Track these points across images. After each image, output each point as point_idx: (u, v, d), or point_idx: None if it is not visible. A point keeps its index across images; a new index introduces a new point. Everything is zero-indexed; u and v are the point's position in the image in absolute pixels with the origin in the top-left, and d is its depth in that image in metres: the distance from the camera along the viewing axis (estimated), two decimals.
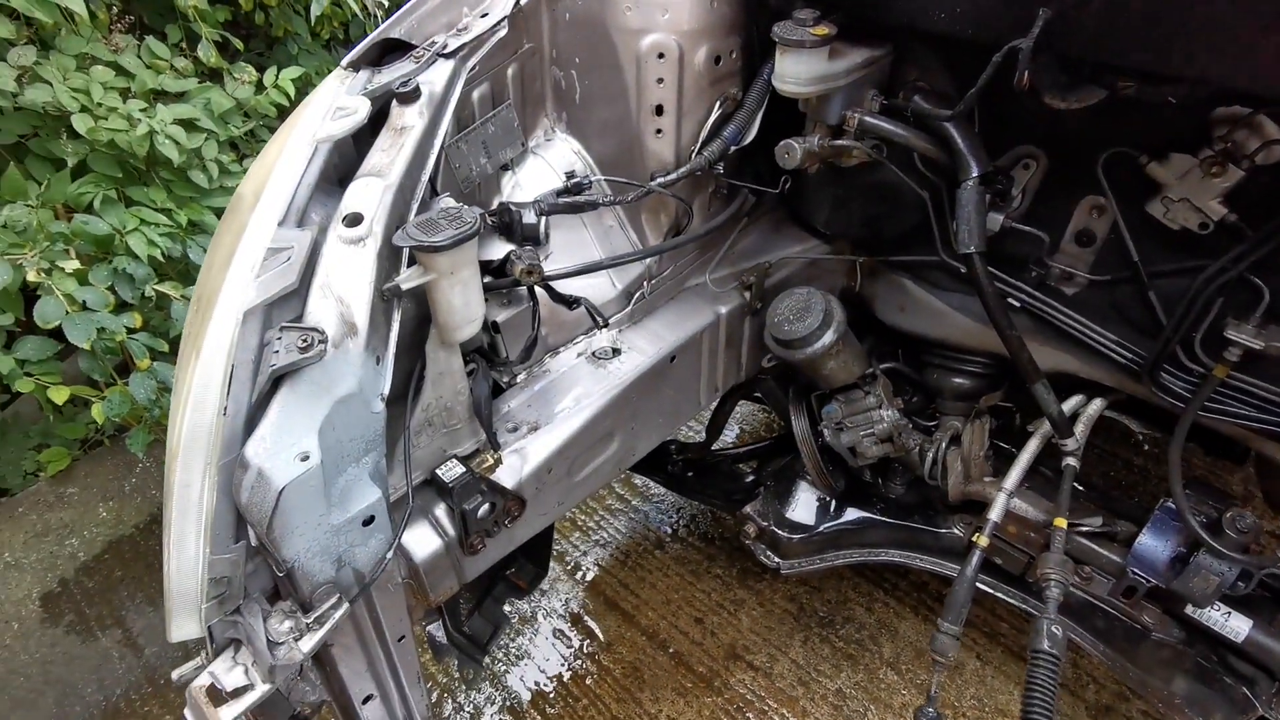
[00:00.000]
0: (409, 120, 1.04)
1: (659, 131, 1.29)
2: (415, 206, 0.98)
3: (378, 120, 1.08)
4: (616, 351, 1.32)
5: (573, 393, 1.31)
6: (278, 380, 0.80)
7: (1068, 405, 1.47)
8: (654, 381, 1.40)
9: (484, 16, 1.21)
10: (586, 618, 2.38)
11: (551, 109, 1.39)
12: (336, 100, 1.03)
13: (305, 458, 0.77)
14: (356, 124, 1.00)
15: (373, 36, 1.14)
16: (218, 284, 0.83)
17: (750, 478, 2.06)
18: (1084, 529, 1.53)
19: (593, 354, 1.36)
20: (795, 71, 1.17)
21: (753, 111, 1.32)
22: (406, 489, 0.97)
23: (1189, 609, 1.44)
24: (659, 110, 1.27)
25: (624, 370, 1.34)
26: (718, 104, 1.30)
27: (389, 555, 0.87)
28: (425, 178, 1.01)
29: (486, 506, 1.16)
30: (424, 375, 1.04)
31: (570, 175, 1.31)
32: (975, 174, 1.18)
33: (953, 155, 1.21)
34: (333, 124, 0.99)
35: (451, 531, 1.14)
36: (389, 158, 0.97)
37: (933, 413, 1.73)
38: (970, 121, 1.24)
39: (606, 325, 1.34)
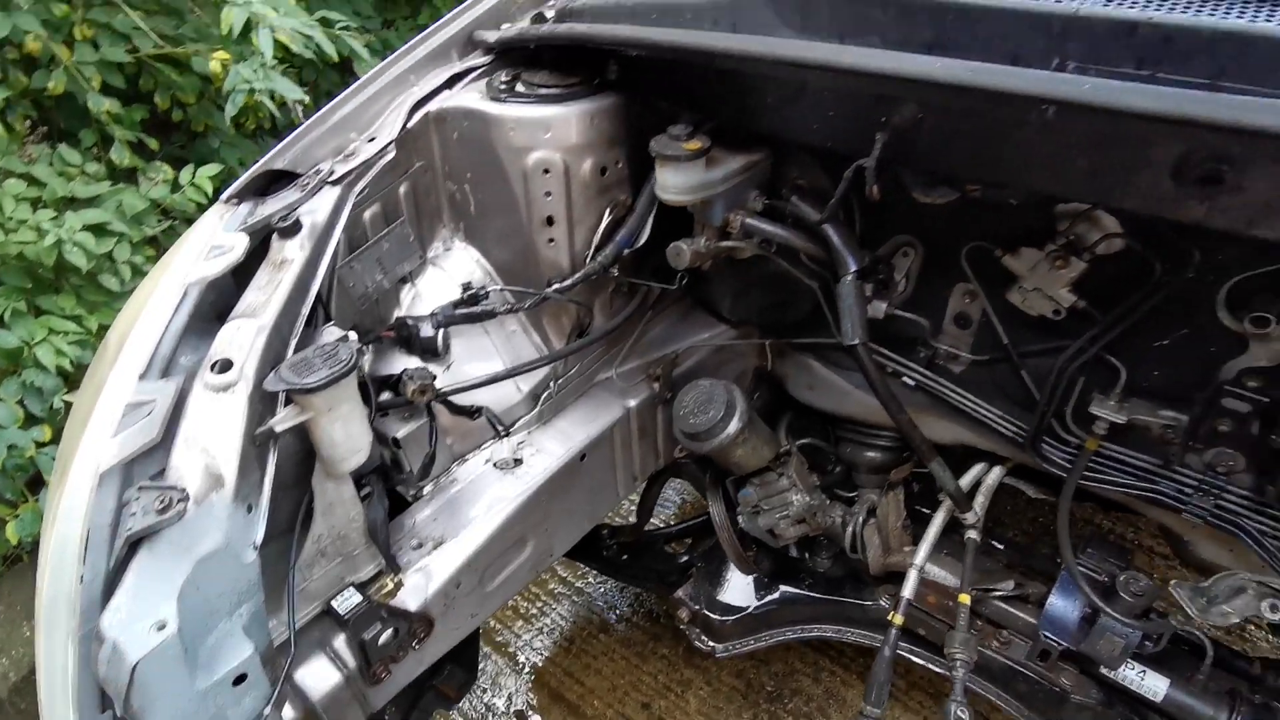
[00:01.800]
0: (289, 254, 1.05)
1: (551, 240, 1.33)
2: (294, 343, 0.98)
3: (263, 252, 1.09)
4: (518, 461, 1.32)
5: (481, 501, 1.30)
6: (135, 544, 0.78)
7: (970, 475, 1.52)
8: (565, 481, 1.40)
9: (371, 141, 1.25)
10: (531, 715, 2.30)
11: (449, 220, 1.42)
12: (213, 238, 1.04)
13: (162, 626, 0.75)
14: (230, 263, 1.01)
15: (254, 169, 1.16)
16: (75, 443, 0.82)
17: (684, 558, 2.05)
18: (997, 593, 1.57)
19: (494, 463, 1.36)
20: (675, 182, 1.22)
21: (643, 215, 1.37)
22: (289, 634, 0.94)
23: (1104, 669, 1.47)
24: (549, 221, 1.31)
25: (533, 474, 1.34)
26: (608, 211, 1.35)
27: (266, 711, 0.84)
28: (305, 312, 1.01)
29: (389, 633, 1.13)
30: (312, 508, 1.02)
31: (466, 286, 1.34)
32: (852, 270, 1.24)
33: (830, 252, 1.27)
34: (206, 264, 1.00)
35: (352, 663, 1.11)
36: (264, 296, 0.98)
37: (853, 484, 1.76)
38: (844, 220, 1.30)
39: (508, 434, 1.34)
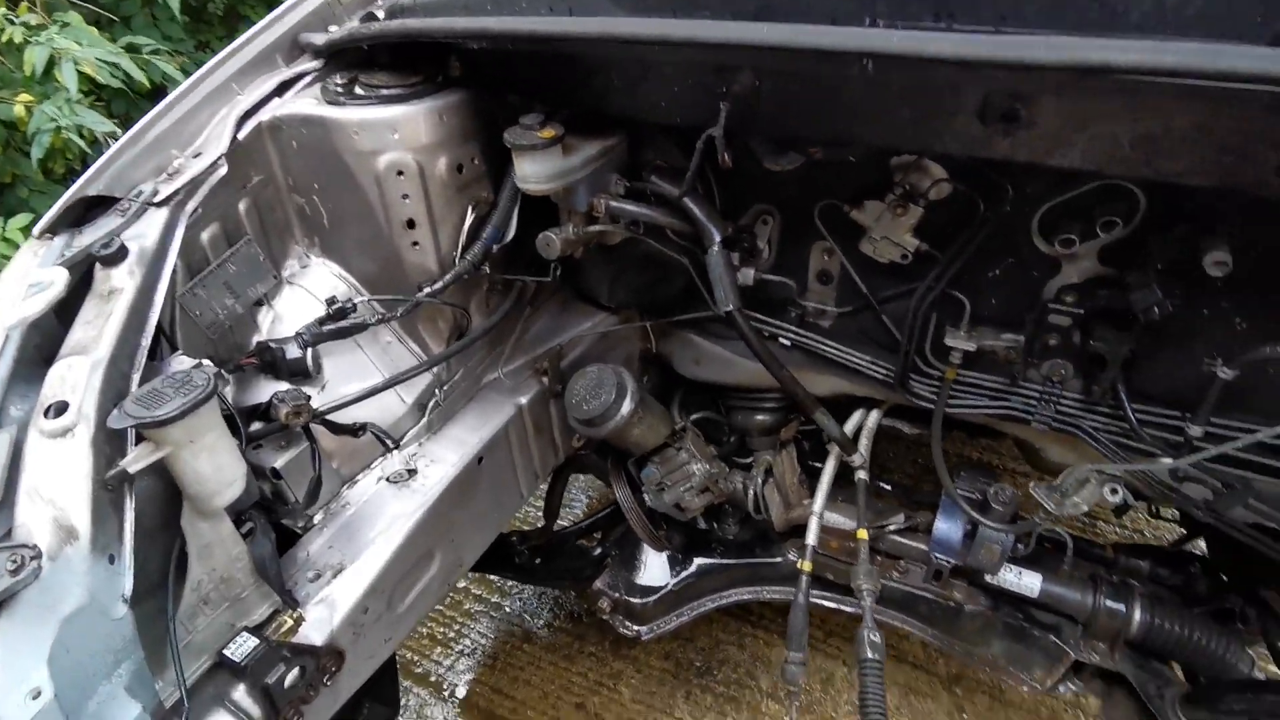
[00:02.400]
0: (117, 283, 0.96)
1: (415, 244, 1.29)
2: (136, 378, 0.90)
3: (86, 285, 0.99)
4: (412, 472, 1.27)
5: (379, 521, 1.24)
6: None
7: (851, 422, 1.62)
8: (465, 488, 1.36)
9: (198, 157, 1.16)
10: None
11: (301, 235, 1.35)
12: (28, 275, 0.93)
13: (37, 694, 0.67)
14: (52, 300, 0.91)
15: (65, 198, 1.05)
16: None
17: (597, 550, 2.05)
18: (890, 528, 1.68)
19: (387, 479, 1.30)
20: (534, 172, 1.22)
21: (508, 210, 1.36)
22: (179, 692, 0.86)
23: (988, 577, 1.61)
24: (410, 224, 1.27)
25: (429, 484, 1.30)
26: (470, 208, 1.33)
27: None
28: (145, 344, 0.93)
29: (295, 673, 1.06)
30: (185, 553, 0.94)
31: (331, 301, 1.27)
32: (716, 240, 1.29)
33: (694, 225, 1.32)
34: (25, 304, 0.89)
35: (256, 712, 1.03)
36: (95, 330, 0.89)
37: (748, 451, 1.83)
38: (703, 194, 1.35)
39: (397, 446, 1.30)
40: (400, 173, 1.23)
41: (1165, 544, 1.95)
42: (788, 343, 1.54)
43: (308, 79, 1.30)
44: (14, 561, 0.71)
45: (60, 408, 0.80)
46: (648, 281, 1.58)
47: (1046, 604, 1.60)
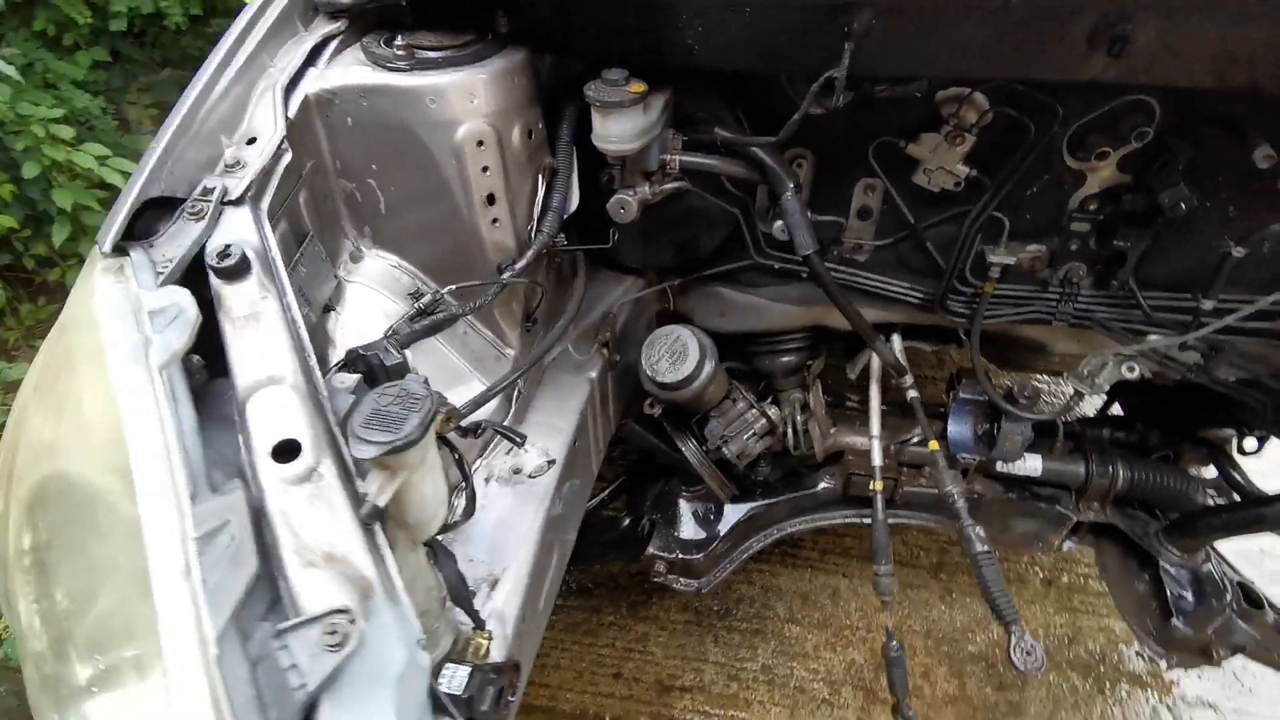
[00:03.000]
0: (255, 297, 0.80)
1: (495, 221, 1.18)
2: (326, 401, 0.76)
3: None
4: (552, 462, 1.20)
5: (507, 523, 1.16)
6: (312, 705, 0.57)
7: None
8: (566, 477, 1.30)
9: (251, 143, 0.98)
10: None
11: (350, 226, 1.19)
12: (135, 302, 0.75)
13: None
14: (194, 327, 0.74)
15: (128, 205, 0.84)
16: (142, 623, 0.56)
17: (626, 520, 2.04)
18: (914, 440, 1.84)
19: (496, 479, 1.21)
20: (619, 131, 1.16)
21: (569, 177, 1.28)
22: None
23: (999, 467, 1.82)
24: (490, 199, 1.16)
25: (545, 481, 1.23)
26: (540, 177, 1.24)
27: None
28: (313, 362, 0.79)
29: (492, 694, 0.98)
30: None
31: (416, 295, 1.14)
32: (790, 186, 1.31)
33: (765, 174, 1.33)
34: (163, 337, 0.72)
35: None
36: (268, 355, 0.74)
37: (769, 394, 1.89)
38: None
39: (524, 440, 1.20)
40: (480, 143, 1.11)
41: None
42: None
43: (335, 43, 1.12)
44: (332, 634, 0.59)
45: (290, 448, 0.66)
46: (685, 238, 1.57)
47: (1048, 480, 1.84)
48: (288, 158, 0.97)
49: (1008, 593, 1.32)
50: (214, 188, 0.90)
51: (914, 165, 1.38)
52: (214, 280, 0.80)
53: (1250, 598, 1.76)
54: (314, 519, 0.64)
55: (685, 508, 1.91)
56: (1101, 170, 1.36)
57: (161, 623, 0.55)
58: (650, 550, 1.84)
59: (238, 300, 0.79)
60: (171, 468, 0.62)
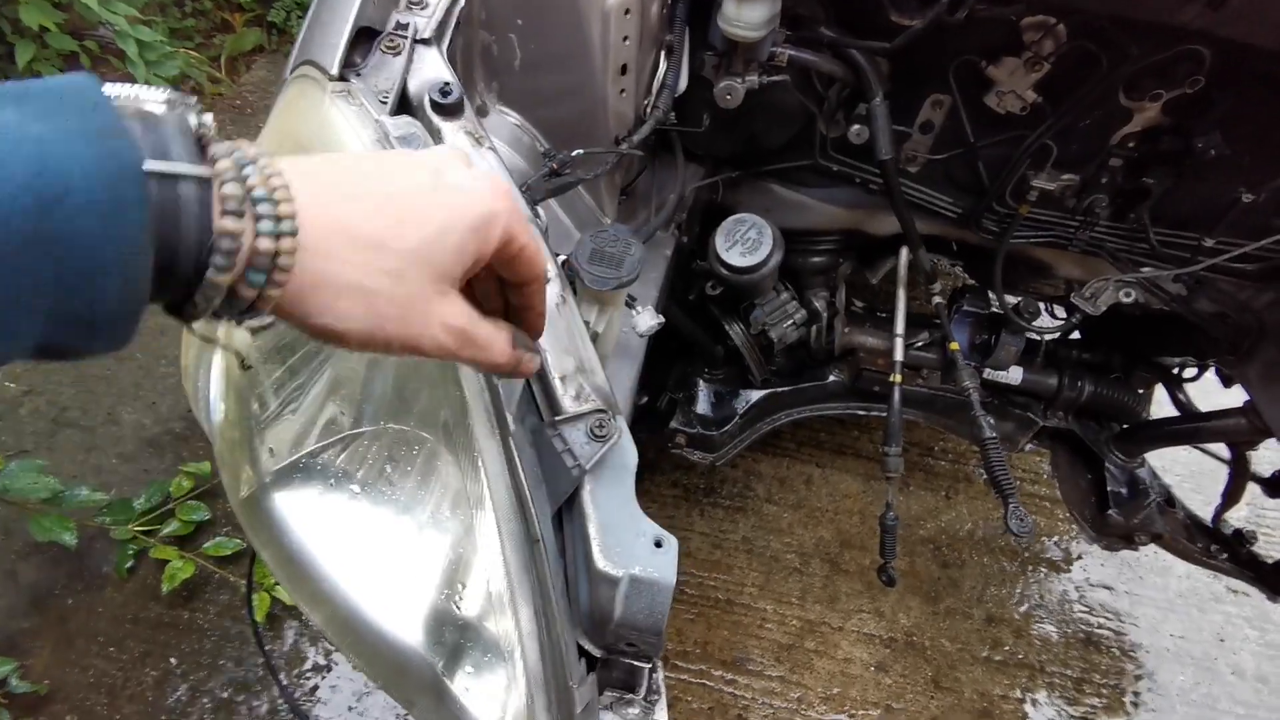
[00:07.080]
0: (463, 137, 0.85)
1: (623, 91, 1.23)
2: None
3: None
4: (663, 323, 1.29)
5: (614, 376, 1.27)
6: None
7: (902, 260, 1.89)
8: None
9: None
10: None
11: (481, 79, 1.20)
12: (380, 129, 0.79)
13: (659, 543, 0.71)
14: None
15: (346, 33, 0.85)
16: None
17: (644, 399, 2.18)
18: (917, 344, 2.04)
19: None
20: (751, 17, 1.21)
21: (681, 56, 1.32)
22: None
23: (988, 374, 2.06)
24: (624, 70, 1.20)
25: (640, 342, 1.33)
26: (662, 53, 1.27)
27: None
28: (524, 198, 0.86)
29: None
30: None
31: (549, 155, 1.18)
32: (880, 91, 1.40)
33: (860, 77, 1.40)
34: None
35: None
36: None
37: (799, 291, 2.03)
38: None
39: (635, 301, 1.29)
40: (627, 10, 1.14)
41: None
42: (875, 187, 1.73)
43: None
44: (601, 426, 0.70)
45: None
46: (757, 130, 1.63)
47: (1024, 389, 2.10)
48: (463, 1, 0.98)
49: (1009, 471, 1.56)
50: (407, 24, 0.91)
51: (987, 87, 1.49)
52: (434, 116, 0.84)
53: (1169, 499, 2.11)
54: (563, 334, 0.74)
55: (704, 388, 2.07)
56: (1148, 111, 1.51)
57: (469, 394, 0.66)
58: (673, 424, 1.99)
59: (458, 138, 0.83)
60: None
